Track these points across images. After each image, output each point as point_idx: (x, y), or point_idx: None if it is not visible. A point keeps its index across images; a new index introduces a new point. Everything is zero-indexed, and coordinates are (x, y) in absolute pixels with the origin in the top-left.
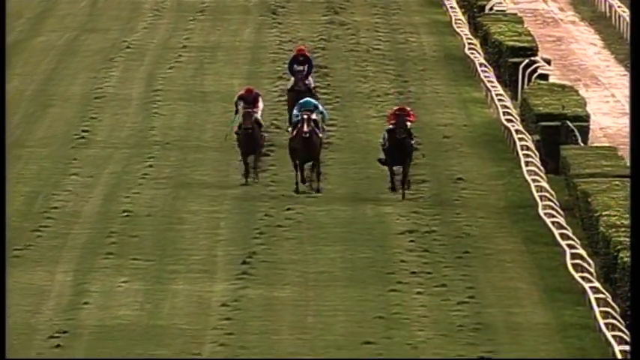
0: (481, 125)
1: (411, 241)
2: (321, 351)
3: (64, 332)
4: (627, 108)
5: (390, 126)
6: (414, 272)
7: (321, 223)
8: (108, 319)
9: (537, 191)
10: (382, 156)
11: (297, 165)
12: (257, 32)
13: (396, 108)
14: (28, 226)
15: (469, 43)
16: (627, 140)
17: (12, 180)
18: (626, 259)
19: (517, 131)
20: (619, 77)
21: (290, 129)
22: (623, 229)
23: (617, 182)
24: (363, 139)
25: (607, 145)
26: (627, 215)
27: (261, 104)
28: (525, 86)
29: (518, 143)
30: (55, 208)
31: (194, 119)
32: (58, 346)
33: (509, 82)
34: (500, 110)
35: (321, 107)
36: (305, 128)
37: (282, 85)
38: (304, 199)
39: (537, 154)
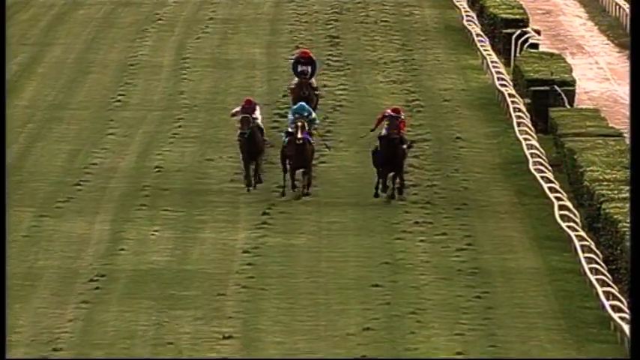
0: (477, 90)
1: (415, 194)
2: (334, 293)
3: (103, 276)
4: (609, 74)
5: (383, 131)
6: (417, 222)
7: (333, 178)
8: (142, 264)
9: (528, 149)
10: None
11: (287, 171)
12: (276, 6)
13: (389, 109)
14: (70, 181)
15: (467, 16)
16: (609, 103)
17: (55, 139)
18: (608, 210)
19: (510, 95)
20: (602, 46)
21: (283, 135)
22: (605, 183)
23: (599, 141)
24: (372, 102)
25: (591, 107)
26: (609, 170)
27: (258, 113)
28: (517, 54)
29: (511, 106)
30: (94, 164)
31: (219, 84)
32: (97, 288)
33: (503, 51)
34: (495, 76)
35: (313, 114)
36: (299, 135)
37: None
38: (317, 157)
39: (528, 115)
